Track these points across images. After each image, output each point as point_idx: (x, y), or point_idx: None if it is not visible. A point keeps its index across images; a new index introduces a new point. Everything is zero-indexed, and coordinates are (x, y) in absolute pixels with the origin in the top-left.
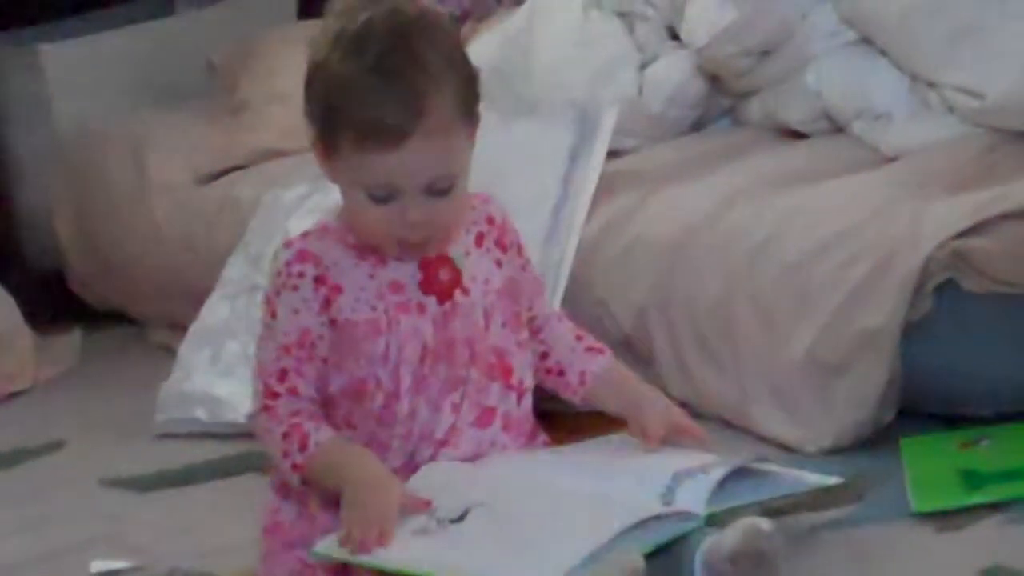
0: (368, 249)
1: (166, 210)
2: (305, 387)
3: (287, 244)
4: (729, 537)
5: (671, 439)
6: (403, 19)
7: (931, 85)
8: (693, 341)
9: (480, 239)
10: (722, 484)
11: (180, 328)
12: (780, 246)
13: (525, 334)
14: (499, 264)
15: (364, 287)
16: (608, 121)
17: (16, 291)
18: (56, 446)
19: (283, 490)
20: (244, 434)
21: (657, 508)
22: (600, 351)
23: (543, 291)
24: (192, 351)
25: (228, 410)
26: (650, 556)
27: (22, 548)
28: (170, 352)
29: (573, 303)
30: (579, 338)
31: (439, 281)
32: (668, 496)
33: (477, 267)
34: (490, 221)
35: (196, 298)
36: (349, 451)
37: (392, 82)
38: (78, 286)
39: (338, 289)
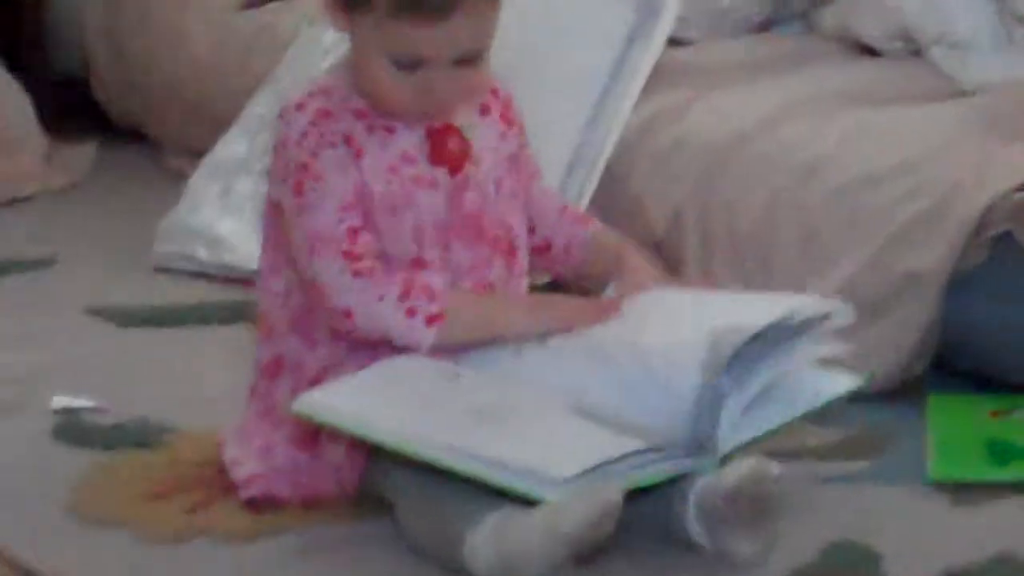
0: (376, 114)
1: (201, 31)
2: (376, 243)
3: (299, 106)
4: (730, 475)
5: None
6: None
7: (1021, 19)
8: (727, 256)
9: (485, 110)
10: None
11: (198, 156)
12: (833, 168)
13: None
14: (503, 137)
15: (380, 157)
16: (673, 6)
17: (36, 93)
18: (47, 262)
19: (273, 368)
20: (241, 280)
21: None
22: (585, 220)
23: (539, 176)
24: (203, 183)
25: (228, 251)
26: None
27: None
28: (184, 180)
29: (605, 197)
30: (563, 209)
31: (449, 152)
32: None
33: (484, 138)
34: (495, 93)
35: (219, 128)
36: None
37: None
38: (101, 96)
39: (361, 153)
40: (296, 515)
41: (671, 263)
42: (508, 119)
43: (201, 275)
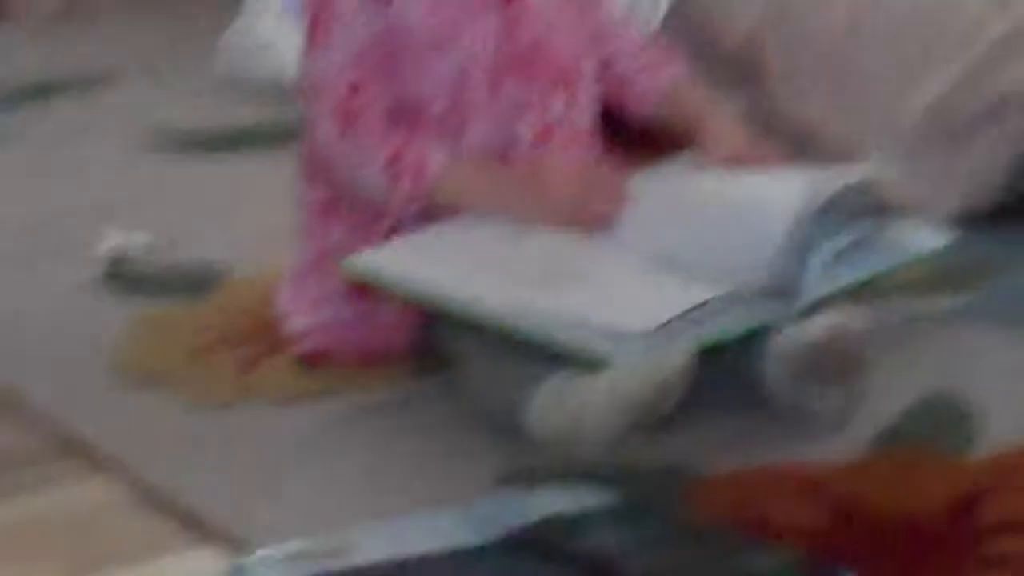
0: None
1: None
2: (382, 100)
3: None
4: (814, 327)
5: (736, 163)
6: None
7: None
8: (811, 68)
9: None
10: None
11: None
12: None
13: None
14: None
15: None
16: None
17: None
18: (112, 76)
19: (325, 208)
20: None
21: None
22: (667, 63)
23: (610, 3)
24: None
25: (292, 65)
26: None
27: (42, 196)
28: None
29: (679, 12)
30: (642, 48)
31: None
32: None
33: None
34: None
35: None
36: (479, 162)
37: None
38: None
39: None
40: (349, 374)
41: (749, 76)
42: None
43: (262, 91)
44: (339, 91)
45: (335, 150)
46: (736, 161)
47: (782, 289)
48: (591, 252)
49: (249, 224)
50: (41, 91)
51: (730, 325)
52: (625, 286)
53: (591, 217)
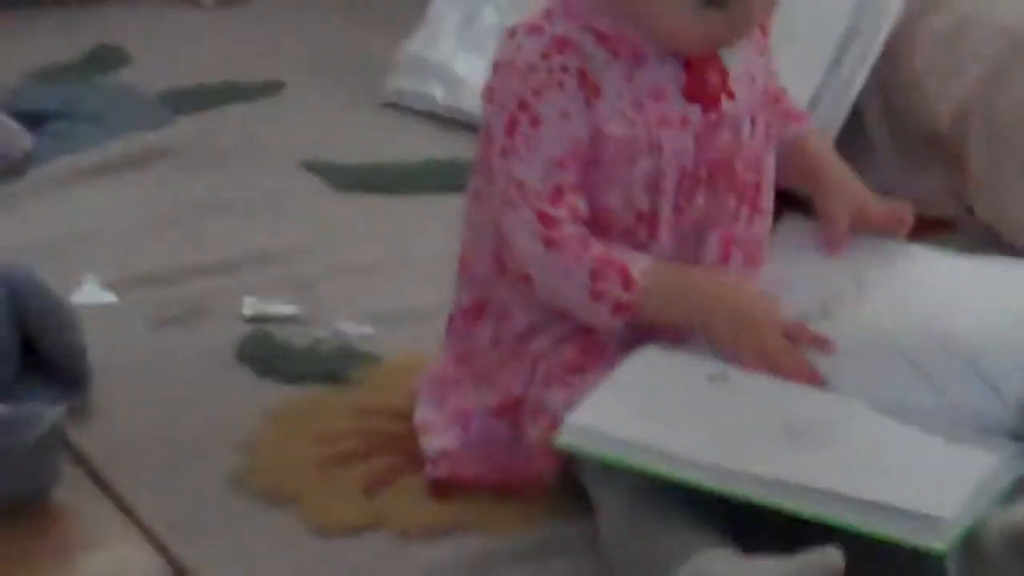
0: (623, 40)
1: None
2: (584, 207)
3: (533, 29)
4: None
5: (859, 226)
6: None
7: None
8: (1015, 162)
9: None
10: None
11: None
12: None
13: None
14: (760, 52)
15: (621, 93)
16: None
17: None
18: (274, 88)
19: (474, 312)
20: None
21: None
22: (798, 118)
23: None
24: (443, 8)
25: (468, 94)
26: None
27: (175, 246)
28: None
29: (884, 78)
30: (777, 98)
31: (707, 84)
32: None
33: (742, 64)
34: None
35: None
36: (686, 271)
37: None
38: None
39: (597, 91)
40: (485, 506)
41: (953, 162)
42: (762, 37)
43: (435, 116)
44: (543, 196)
45: (537, 263)
46: (860, 219)
47: None
48: (816, 403)
49: (409, 287)
50: (199, 97)
51: (1001, 487)
52: (881, 450)
53: (800, 366)
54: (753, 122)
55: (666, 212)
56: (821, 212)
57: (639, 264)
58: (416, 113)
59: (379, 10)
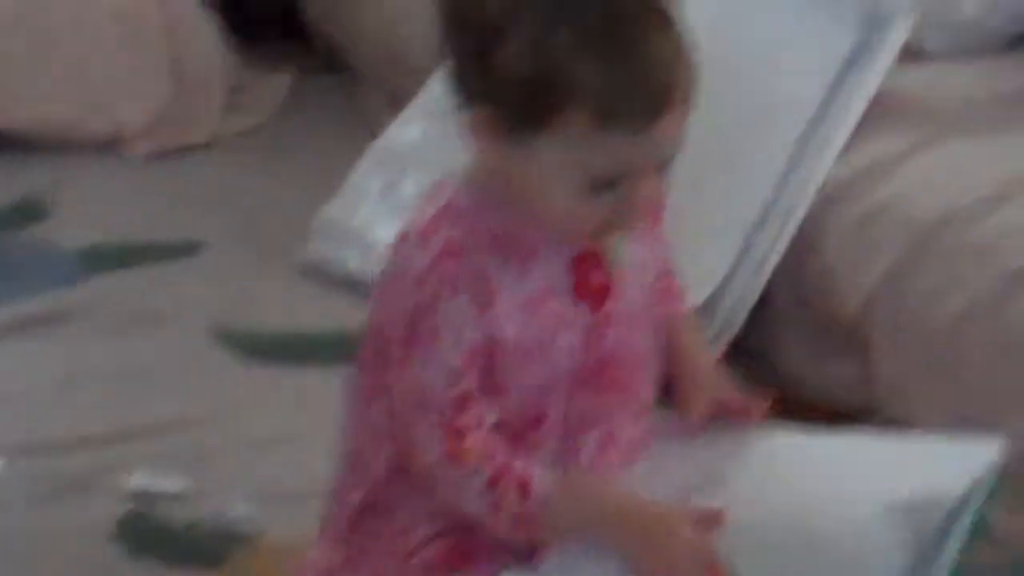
0: (514, 239)
1: None
2: (490, 415)
3: (424, 235)
4: None
5: (717, 416)
6: None
7: None
8: (919, 359)
9: None
10: None
11: (396, 106)
12: None
13: None
14: (652, 251)
15: (514, 295)
16: (903, 26)
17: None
18: (192, 248)
19: (364, 514)
20: None
21: None
22: (677, 299)
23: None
24: (365, 174)
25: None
26: None
27: (70, 413)
28: (377, 128)
29: (794, 262)
30: (667, 286)
31: (593, 283)
32: None
33: (633, 256)
34: None
35: (413, 74)
36: (590, 483)
37: (636, 44)
38: (309, 15)
39: (491, 297)
40: None
41: (862, 350)
42: (655, 224)
43: (350, 283)
44: (446, 407)
45: (440, 473)
46: (718, 409)
47: None
48: None
49: (303, 463)
50: (118, 255)
51: None
52: None
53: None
54: (640, 319)
55: (554, 414)
56: (680, 401)
57: (542, 477)
58: (332, 279)
59: (306, 172)
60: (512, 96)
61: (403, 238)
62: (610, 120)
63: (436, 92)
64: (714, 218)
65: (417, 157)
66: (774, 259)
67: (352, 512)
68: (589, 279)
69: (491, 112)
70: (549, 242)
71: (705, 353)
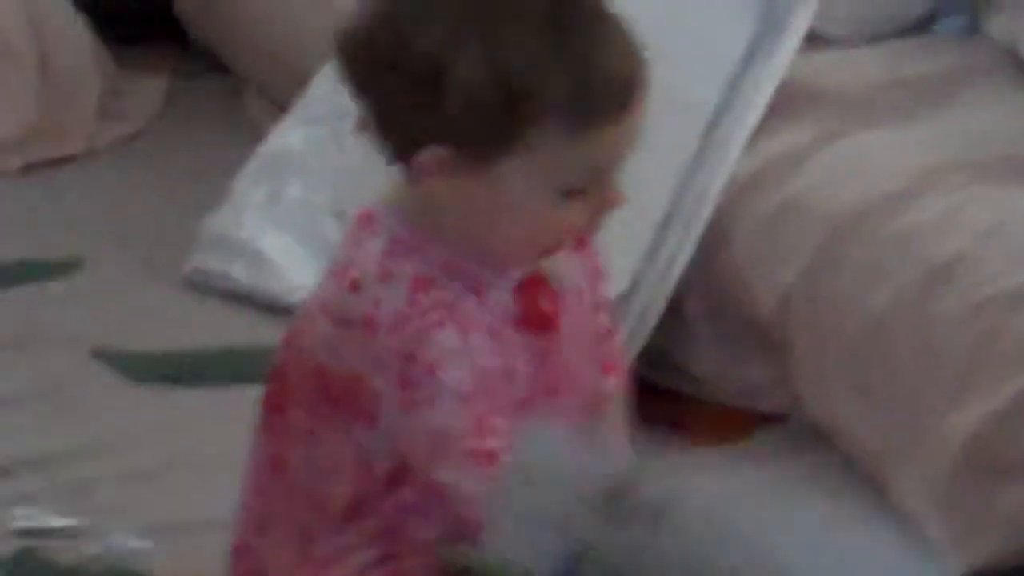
0: (460, 271)
1: None
2: (506, 424)
3: (382, 275)
4: None
5: None
6: None
7: None
8: (840, 357)
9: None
10: None
11: (277, 106)
12: (976, 272)
13: None
14: (593, 270)
15: (479, 324)
16: (804, 12)
17: None
18: (70, 266)
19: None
20: (287, 311)
21: None
22: (611, 370)
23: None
24: (248, 183)
25: (270, 273)
26: None
27: None
28: (260, 135)
29: (703, 262)
30: (605, 335)
31: (539, 311)
32: None
33: (574, 278)
34: None
35: (294, 77)
36: None
37: (591, 38)
38: (181, 12)
39: (467, 325)
40: None
41: (776, 347)
42: (591, 254)
43: (237, 297)
44: (467, 434)
45: (481, 492)
46: None
47: None
48: None
49: (188, 496)
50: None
51: None
52: None
53: None
54: (583, 340)
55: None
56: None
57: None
58: (218, 293)
59: (188, 182)
60: (473, 124)
61: (354, 284)
62: (584, 121)
63: (317, 95)
64: (618, 219)
65: (300, 163)
66: (683, 259)
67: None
68: (536, 306)
69: (446, 149)
70: (492, 272)
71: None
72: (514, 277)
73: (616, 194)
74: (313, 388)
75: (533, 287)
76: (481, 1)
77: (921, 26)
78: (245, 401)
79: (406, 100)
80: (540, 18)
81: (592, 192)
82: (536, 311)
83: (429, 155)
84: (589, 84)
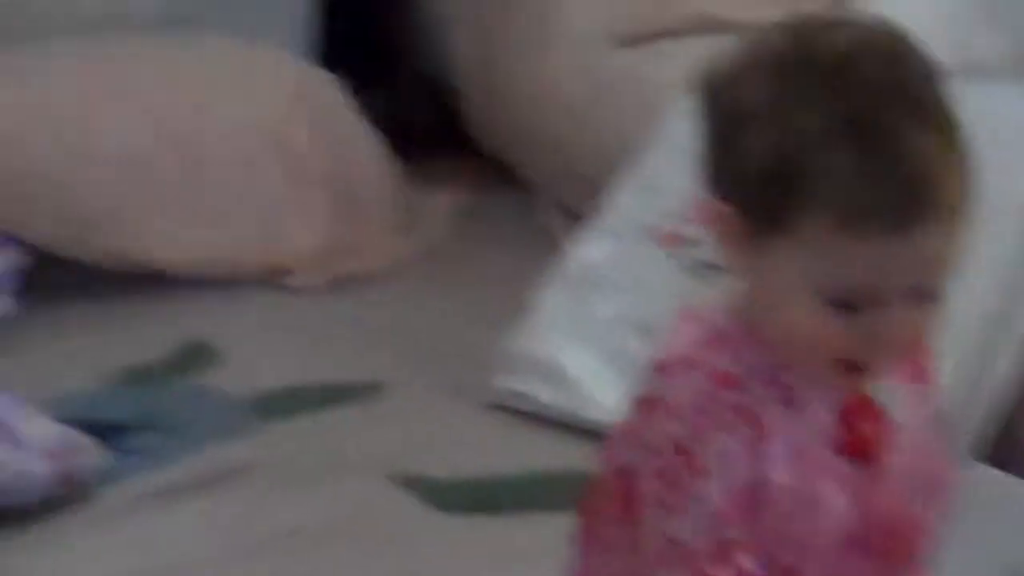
0: (779, 377)
1: (566, 64)
2: (755, 569)
3: (688, 362)
4: None
5: None
6: (886, 46)
7: None
8: None
9: (910, 366)
10: None
11: (572, 214)
12: None
13: None
14: (926, 402)
15: (787, 436)
16: None
17: (391, 108)
18: (372, 388)
19: None
20: (594, 432)
21: None
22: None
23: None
24: (552, 299)
25: (576, 394)
26: None
27: None
28: (556, 245)
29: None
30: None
31: (863, 436)
32: None
33: (907, 408)
34: None
35: (592, 188)
36: None
37: (894, 136)
38: (472, 128)
39: (765, 434)
40: None
41: None
42: (925, 372)
43: (543, 420)
44: (711, 559)
45: None
46: None
47: None
48: None
49: None
50: (291, 401)
51: None
52: None
53: None
54: (919, 474)
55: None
56: None
57: None
58: (524, 416)
59: (487, 298)
60: (751, 190)
61: (660, 367)
62: (854, 219)
63: (621, 205)
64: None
65: (606, 278)
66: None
67: None
68: (860, 430)
69: (732, 207)
70: (814, 385)
71: None
72: (840, 395)
73: (888, 332)
74: (620, 497)
75: (859, 410)
76: (811, 73)
77: None
78: (558, 531)
79: (712, 143)
80: (857, 104)
81: (869, 315)
82: (859, 437)
83: (719, 209)
84: (871, 180)
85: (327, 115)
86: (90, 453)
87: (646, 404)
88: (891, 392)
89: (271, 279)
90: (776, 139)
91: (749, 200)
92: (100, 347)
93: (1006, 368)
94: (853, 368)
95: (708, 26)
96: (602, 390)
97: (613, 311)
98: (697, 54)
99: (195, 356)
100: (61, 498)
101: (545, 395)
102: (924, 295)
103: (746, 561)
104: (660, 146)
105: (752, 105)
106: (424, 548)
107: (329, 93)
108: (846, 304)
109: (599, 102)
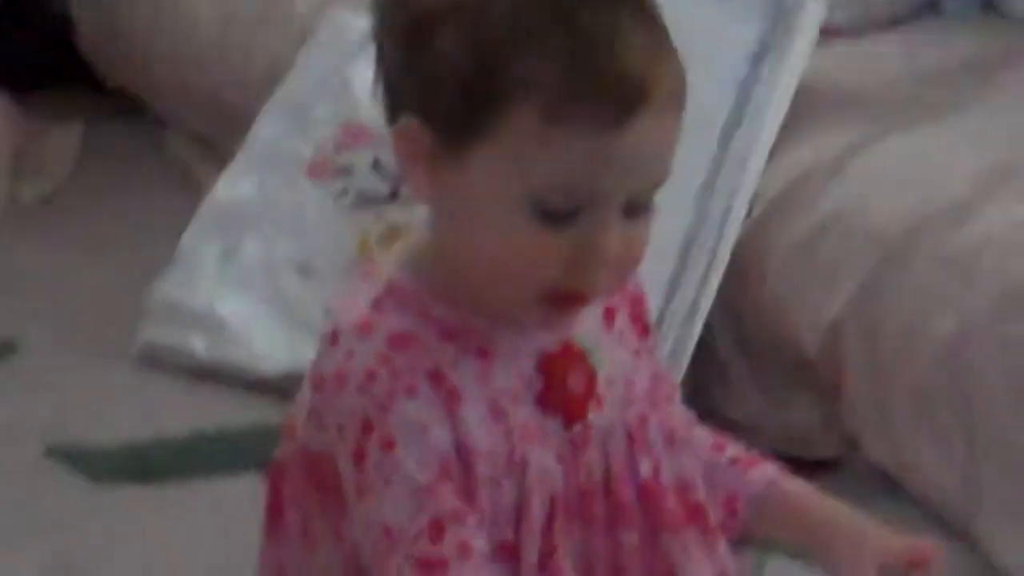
0: (469, 331)
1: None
2: (477, 539)
3: (362, 327)
4: None
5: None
6: None
7: None
8: (905, 391)
9: (610, 316)
10: None
11: (209, 148)
12: None
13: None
14: (638, 354)
15: (479, 397)
16: (815, 7)
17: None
18: (5, 350)
19: None
20: (260, 386)
21: None
22: (752, 463)
23: (675, 389)
24: (198, 240)
25: (232, 342)
26: None
27: None
28: (192, 181)
29: (732, 296)
30: (719, 447)
31: (567, 391)
32: None
33: (614, 361)
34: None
35: (229, 121)
36: None
37: (602, 25)
38: (89, 56)
39: (456, 395)
40: None
41: (827, 391)
42: (642, 322)
43: (200, 373)
44: (417, 537)
45: None
46: (883, 568)
47: None
48: None
49: None
50: None
51: None
52: None
53: None
54: (632, 437)
55: (530, 549)
56: (830, 567)
57: None
58: (176, 370)
59: (124, 243)
60: (444, 96)
61: (333, 334)
62: (564, 112)
63: (265, 136)
64: None
65: (256, 216)
66: (710, 292)
67: None
68: (564, 384)
69: (420, 122)
70: (512, 336)
71: (838, 506)
72: (540, 344)
73: (605, 241)
74: (302, 479)
75: (565, 358)
76: None
77: (930, 6)
78: (218, 496)
79: (395, 56)
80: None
81: (584, 225)
82: (562, 391)
83: (404, 124)
84: (580, 71)
85: None
86: None
87: (324, 380)
88: (595, 338)
89: None
90: (472, 36)
91: (443, 109)
92: None
93: (696, 286)
94: (564, 299)
95: None
96: (267, 340)
97: (266, 251)
98: None
99: None
100: None
101: (197, 345)
102: (638, 208)
103: (464, 532)
104: (305, 72)
105: (443, 6)
106: (77, 527)
107: None
108: (557, 214)
109: (236, 24)
